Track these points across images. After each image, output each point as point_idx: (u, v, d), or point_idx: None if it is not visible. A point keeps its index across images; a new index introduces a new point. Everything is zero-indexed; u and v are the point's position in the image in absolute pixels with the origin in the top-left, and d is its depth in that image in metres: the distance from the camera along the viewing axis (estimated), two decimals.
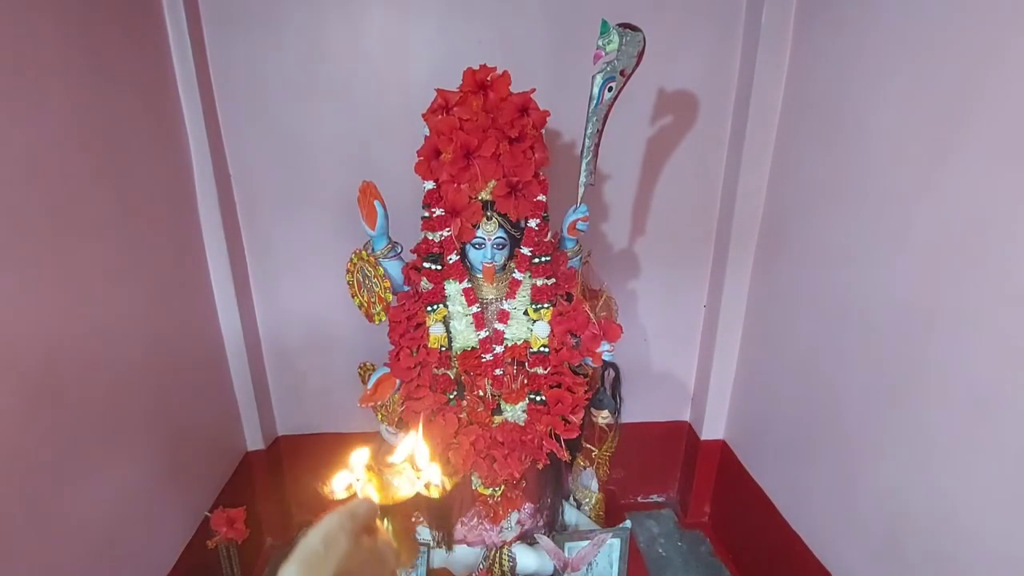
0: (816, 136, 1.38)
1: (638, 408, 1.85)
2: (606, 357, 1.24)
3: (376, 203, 1.16)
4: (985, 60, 0.93)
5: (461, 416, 1.24)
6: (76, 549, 1.04)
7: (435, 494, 0.55)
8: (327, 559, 0.42)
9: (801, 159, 1.44)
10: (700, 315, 1.86)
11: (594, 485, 1.54)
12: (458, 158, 1.10)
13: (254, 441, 1.77)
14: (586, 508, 1.53)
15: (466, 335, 1.23)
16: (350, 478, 0.54)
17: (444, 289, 1.21)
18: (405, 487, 0.53)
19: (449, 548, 1.37)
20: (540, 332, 1.22)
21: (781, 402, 1.55)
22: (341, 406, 1.79)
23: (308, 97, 1.52)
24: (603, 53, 1.05)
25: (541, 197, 1.16)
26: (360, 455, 0.55)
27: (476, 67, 1.12)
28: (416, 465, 0.54)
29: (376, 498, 0.52)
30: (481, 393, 1.25)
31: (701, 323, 1.87)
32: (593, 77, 1.08)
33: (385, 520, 0.51)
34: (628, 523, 1.45)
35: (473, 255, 1.20)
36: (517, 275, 1.21)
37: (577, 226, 1.20)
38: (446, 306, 1.22)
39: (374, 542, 0.47)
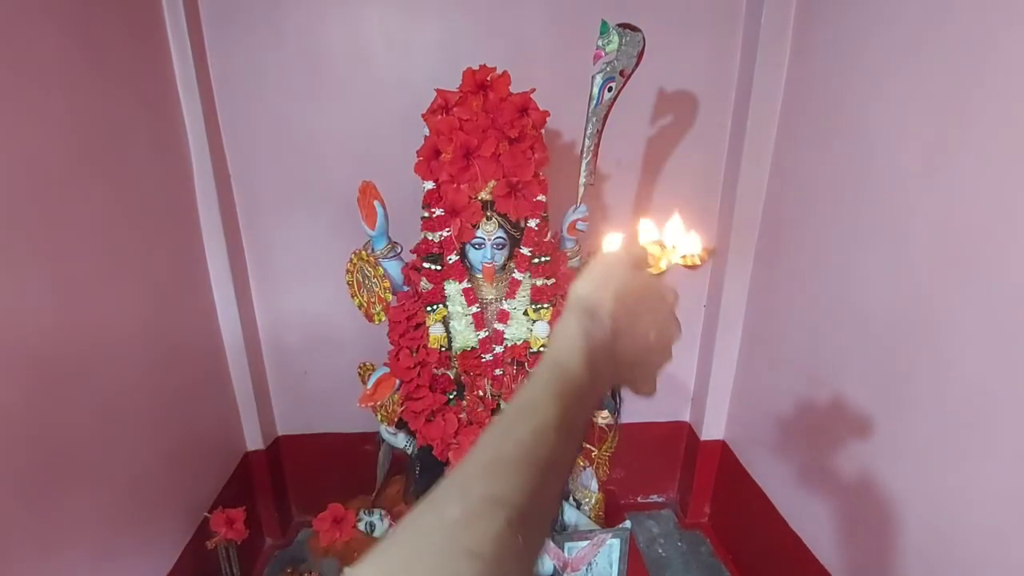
0: (816, 136, 1.38)
1: (638, 408, 1.85)
2: None
3: (376, 203, 1.16)
4: (985, 60, 0.93)
5: (461, 416, 1.24)
6: (76, 548, 1.04)
7: (694, 261, 0.51)
8: (609, 277, 0.43)
9: (801, 159, 1.44)
10: (700, 315, 1.86)
11: (594, 485, 1.54)
12: (458, 158, 1.10)
13: (254, 441, 1.77)
14: (586, 508, 1.53)
15: (466, 335, 1.23)
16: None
17: (444, 289, 1.21)
18: (662, 261, 0.50)
19: None
20: (540, 332, 1.22)
21: (781, 402, 1.55)
22: (341, 406, 1.79)
23: (308, 97, 1.52)
24: (603, 53, 1.05)
25: (541, 197, 1.16)
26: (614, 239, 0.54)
27: (476, 67, 1.12)
28: (664, 245, 0.51)
29: None
30: (481, 393, 1.25)
31: (701, 323, 1.87)
32: (593, 77, 1.08)
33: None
34: (628, 523, 1.45)
35: (473, 255, 1.20)
36: (517, 275, 1.21)
37: (577, 226, 1.21)
38: (446, 306, 1.22)
39: (651, 278, 0.47)
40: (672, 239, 0.51)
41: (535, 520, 0.34)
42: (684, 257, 0.51)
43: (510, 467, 0.34)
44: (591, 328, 0.42)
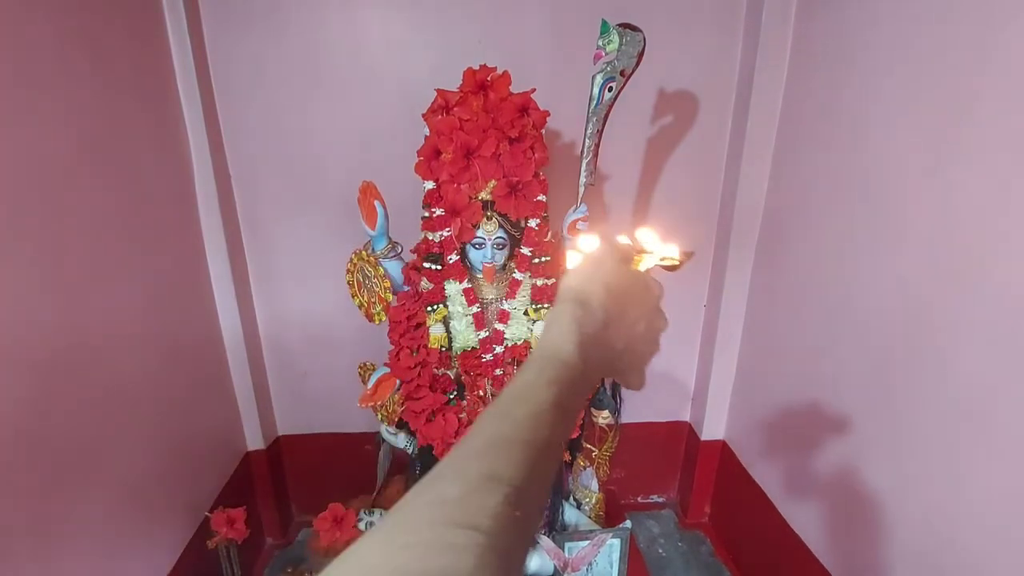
0: (816, 136, 1.38)
1: (638, 408, 1.85)
2: None
3: (376, 203, 1.16)
4: (985, 59, 0.93)
5: (461, 416, 1.24)
6: (76, 549, 1.04)
7: (673, 262, 0.54)
8: (598, 270, 0.46)
9: (801, 159, 1.44)
10: (700, 315, 1.86)
11: (594, 485, 1.54)
12: (458, 158, 1.10)
13: (254, 441, 1.77)
14: (586, 508, 1.53)
15: (466, 335, 1.23)
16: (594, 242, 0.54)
17: (444, 289, 1.21)
18: (643, 263, 0.53)
19: None
20: (540, 332, 1.22)
21: (781, 402, 1.55)
22: (341, 406, 1.79)
23: (308, 97, 1.52)
24: (603, 53, 1.05)
25: (541, 197, 1.16)
26: (591, 239, 0.55)
27: (476, 67, 1.12)
28: (644, 248, 0.53)
29: None
30: (481, 393, 1.25)
31: (701, 323, 1.87)
32: (593, 77, 1.08)
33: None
34: (628, 523, 1.45)
35: (473, 255, 1.20)
36: (517, 275, 1.21)
37: (577, 226, 1.21)
38: (446, 306, 1.22)
39: (638, 271, 0.50)
40: (650, 244, 0.53)
41: (532, 497, 0.35)
42: (663, 259, 0.53)
43: (508, 447, 0.35)
44: (583, 318, 0.43)
